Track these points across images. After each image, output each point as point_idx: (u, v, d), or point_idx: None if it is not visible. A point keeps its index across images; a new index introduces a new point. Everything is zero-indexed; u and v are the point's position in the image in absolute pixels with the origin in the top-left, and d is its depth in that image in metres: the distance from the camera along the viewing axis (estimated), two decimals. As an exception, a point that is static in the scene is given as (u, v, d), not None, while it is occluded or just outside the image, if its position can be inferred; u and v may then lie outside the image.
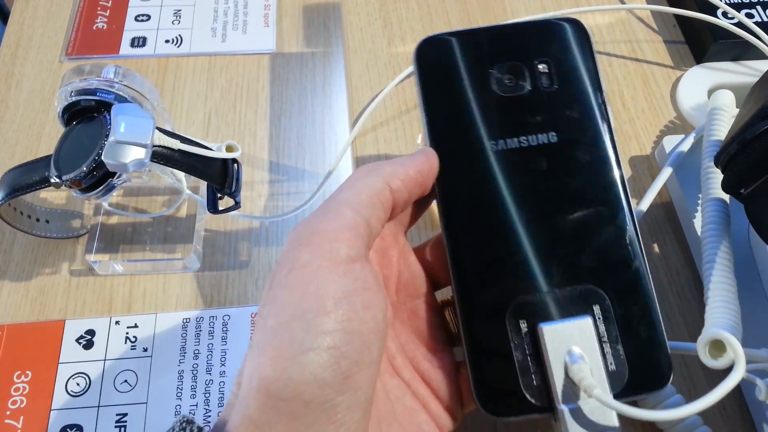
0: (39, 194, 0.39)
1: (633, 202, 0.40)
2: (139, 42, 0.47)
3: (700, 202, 0.36)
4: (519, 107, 0.26)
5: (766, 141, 0.30)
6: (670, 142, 0.40)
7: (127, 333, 0.35)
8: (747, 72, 0.45)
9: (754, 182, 0.31)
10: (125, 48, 0.47)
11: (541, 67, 0.26)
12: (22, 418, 0.33)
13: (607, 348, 0.23)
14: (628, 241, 0.24)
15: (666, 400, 0.30)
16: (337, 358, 0.19)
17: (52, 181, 0.31)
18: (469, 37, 0.27)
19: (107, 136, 0.30)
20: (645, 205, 0.35)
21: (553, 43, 0.26)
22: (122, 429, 0.33)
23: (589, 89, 0.26)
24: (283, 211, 0.40)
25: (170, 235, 0.39)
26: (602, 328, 0.23)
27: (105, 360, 0.34)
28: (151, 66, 0.46)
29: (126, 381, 0.34)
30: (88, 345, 0.35)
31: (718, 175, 0.35)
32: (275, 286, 0.21)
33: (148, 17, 0.49)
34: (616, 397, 0.22)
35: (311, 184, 0.41)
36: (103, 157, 0.29)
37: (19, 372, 0.34)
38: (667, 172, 0.37)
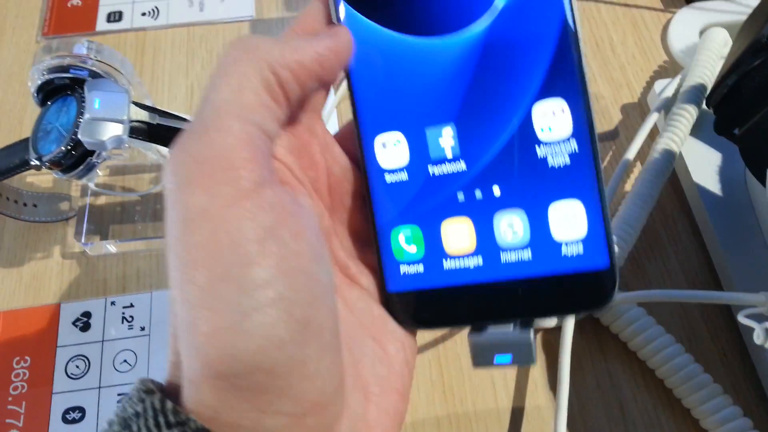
0: (25, 179, 0.39)
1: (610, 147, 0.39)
2: (115, 16, 0.46)
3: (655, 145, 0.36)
4: None
5: (759, 77, 0.29)
6: (661, 86, 0.39)
7: (123, 313, 0.35)
8: (738, 10, 0.44)
9: (748, 121, 0.30)
10: (101, 24, 0.46)
11: None
12: (24, 403, 0.33)
13: None
14: None
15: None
16: (286, 308, 0.16)
17: (32, 163, 0.30)
18: None
19: (83, 113, 0.29)
20: (632, 152, 0.34)
21: None
22: (125, 407, 0.33)
23: None
24: (272, 181, 0.39)
25: (160, 213, 0.38)
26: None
27: (103, 341, 0.34)
28: (129, 40, 0.45)
29: (125, 361, 0.34)
30: (85, 327, 0.35)
31: (682, 121, 0.35)
32: (176, 244, 0.16)
33: (123, -9, 0.47)
34: None
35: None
36: (79, 136, 0.29)
37: (18, 358, 0.34)
38: (654, 117, 0.36)
